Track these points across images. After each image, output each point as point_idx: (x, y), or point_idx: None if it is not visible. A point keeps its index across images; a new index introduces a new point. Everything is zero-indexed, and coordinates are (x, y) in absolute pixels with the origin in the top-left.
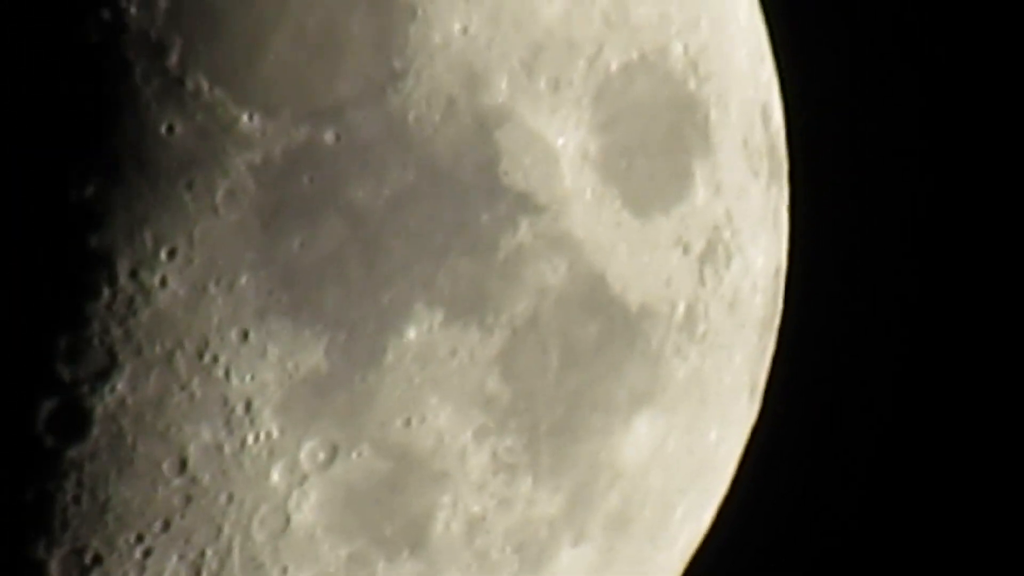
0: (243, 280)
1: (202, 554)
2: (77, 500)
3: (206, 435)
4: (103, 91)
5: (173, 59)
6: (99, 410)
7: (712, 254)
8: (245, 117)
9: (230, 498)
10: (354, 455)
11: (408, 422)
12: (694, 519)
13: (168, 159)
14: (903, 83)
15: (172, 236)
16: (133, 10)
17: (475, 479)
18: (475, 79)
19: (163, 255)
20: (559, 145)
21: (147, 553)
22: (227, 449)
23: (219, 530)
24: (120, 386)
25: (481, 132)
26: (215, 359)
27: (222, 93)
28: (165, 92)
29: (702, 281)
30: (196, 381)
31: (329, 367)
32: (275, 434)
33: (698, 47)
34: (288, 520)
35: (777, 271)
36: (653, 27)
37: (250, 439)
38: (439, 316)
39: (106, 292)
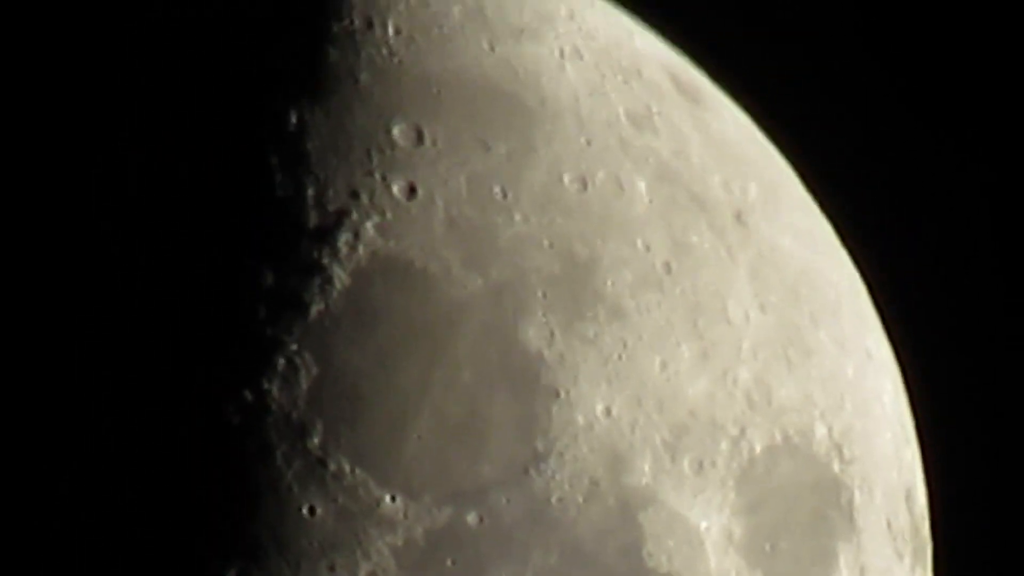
0: None
1: None
2: None
3: None
4: (244, 473)
5: (315, 441)
6: None
7: None
8: (387, 499)
9: None
10: None
11: None
12: None
13: (309, 541)
14: None
15: None
16: (275, 392)
17: None
18: (618, 461)
19: None
20: (703, 528)
21: None
22: None
23: None
24: None
25: (625, 514)
26: None
27: (364, 475)
28: (307, 474)
29: None
30: None
31: None
32: None
33: (842, 429)
34: None
35: None
36: (797, 409)
37: None
38: None
39: None
